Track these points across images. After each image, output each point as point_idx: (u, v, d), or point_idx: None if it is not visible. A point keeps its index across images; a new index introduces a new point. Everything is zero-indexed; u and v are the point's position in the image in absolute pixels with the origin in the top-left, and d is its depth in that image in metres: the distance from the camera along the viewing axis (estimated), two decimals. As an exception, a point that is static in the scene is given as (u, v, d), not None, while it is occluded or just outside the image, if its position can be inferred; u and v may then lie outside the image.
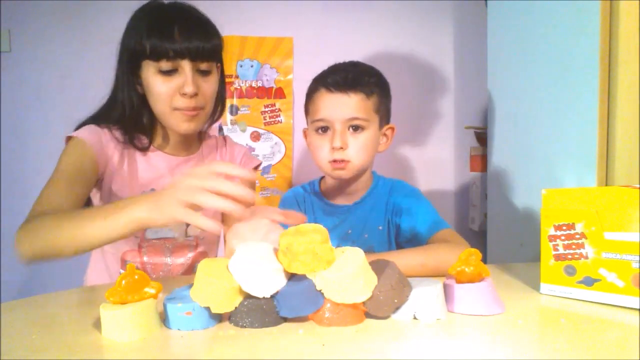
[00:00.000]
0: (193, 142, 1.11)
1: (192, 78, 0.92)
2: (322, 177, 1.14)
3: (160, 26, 0.91)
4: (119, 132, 1.00)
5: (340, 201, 1.09)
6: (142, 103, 0.98)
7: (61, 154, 0.94)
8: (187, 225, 1.04)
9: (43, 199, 0.86)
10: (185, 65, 0.92)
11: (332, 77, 0.99)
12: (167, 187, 0.70)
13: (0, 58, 1.93)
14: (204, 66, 0.95)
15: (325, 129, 0.99)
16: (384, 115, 1.04)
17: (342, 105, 0.97)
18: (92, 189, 0.97)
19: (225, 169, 0.71)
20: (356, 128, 0.98)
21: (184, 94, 0.93)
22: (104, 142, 0.98)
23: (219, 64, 1.03)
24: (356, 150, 0.98)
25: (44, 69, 1.97)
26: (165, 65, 0.91)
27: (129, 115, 0.98)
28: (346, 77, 0.98)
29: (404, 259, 0.81)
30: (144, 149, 1.02)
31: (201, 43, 0.93)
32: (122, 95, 0.98)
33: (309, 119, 1.04)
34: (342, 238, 1.06)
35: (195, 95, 0.94)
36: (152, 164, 1.04)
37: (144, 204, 0.69)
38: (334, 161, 0.99)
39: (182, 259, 1.05)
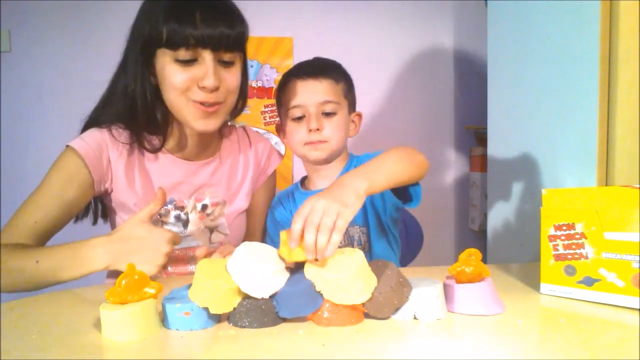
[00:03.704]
0: (212, 141, 1.02)
1: (213, 69, 0.83)
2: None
3: (179, 10, 0.82)
4: (126, 132, 0.92)
5: (319, 186, 1.10)
6: (155, 96, 0.89)
7: (53, 167, 0.89)
8: (211, 232, 1.00)
9: (19, 219, 0.85)
10: (207, 55, 0.83)
11: (302, 69, 1.06)
12: (136, 234, 0.78)
13: (0, 58, 1.93)
14: (227, 57, 0.86)
15: (300, 118, 1.03)
16: (351, 102, 1.09)
17: (315, 90, 1.02)
18: (82, 208, 0.92)
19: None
20: (329, 113, 1.03)
21: (203, 87, 0.84)
22: (106, 152, 0.90)
23: (242, 55, 0.94)
24: (331, 131, 1.02)
25: (44, 69, 1.97)
26: (183, 54, 0.82)
27: (141, 110, 0.89)
28: (315, 66, 1.06)
29: (390, 163, 0.81)
30: (154, 151, 0.94)
31: (226, 30, 0.83)
32: (132, 86, 0.88)
33: (283, 110, 1.07)
34: None
35: (217, 89, 0.85)
36: (166, 170, 0.96)
37: (105, 252, 0.77)
38: (311, 142, 1.02)
39: None
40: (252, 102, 2.11)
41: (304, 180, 1.16)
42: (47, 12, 1.95)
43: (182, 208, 0.97)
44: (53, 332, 0.61)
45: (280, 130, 1.11)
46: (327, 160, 1.06)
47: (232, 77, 0.88)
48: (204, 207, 0.99)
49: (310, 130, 1.01)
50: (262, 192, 1.12)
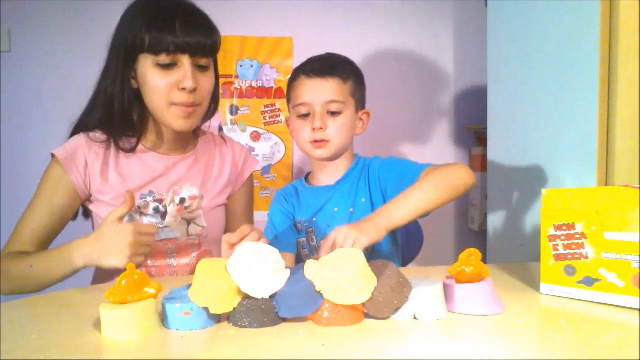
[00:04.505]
0: (188, 140, 1.09)
1: (191, 73, 0.92)
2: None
3: (161, 20, 0.90)
4: (104, 135, 0.99)
5: (325, 182, 1.12)
6: (134, 98, 0.97)
7: (42, 176, 0.98)
8: (189, 224, 1.04)
9: (20, 228, 0.95)
10: (185, 60, 0.92)
11: (310, 66, 1.07)
12: (104, 233, 0.82)
13: (0, 58, 1.93)
14: (203, 62, 0.95)
15: (306, 115, 1.04)
16: (359, 100, 1.10)
17: (321, 89, 1.03)
18: (74, 212, 1.00)
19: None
20: (334, 113, 1.04)
21: (182, 89, 0.92)
22: (83, 155, 0.97)
23: (215, 61, 1.02)
24: (335, 130, 1.03)
25: (44, 69, 1.96)
26: (164, 59, 0.90)
27: (118, 112, 0.96)
28: (324, 64, 1.06)
29: (415, 197, 0.85)
30: (130, 151, 1.00)
31: (202, 38, 0.92)
32: (110, 90, 0.95)
33: (291, 106, 1.10)
34: (330, 217, 1.07)
35: (194, 90, 0.93)
36: (147, 164, 1.02)
37: (82, 253, 0.84)
38: (315, 141, 1.04)
39: (186, 259, 1.04)
40: (252, 102, 2.11)
41: (307, 176, 1.17)
42: (47, 12, 1.95)
43: (160, 201, 1.02)
44: (53, 332, 0.61)
45: (289, 124, 1.13)
46: (331, 158, 1.08)
47: (207, 81, 0.97)
48: (182, 200, 1.04)
49: (314, 129, 1.02)
50: (241, 196, 1.16)
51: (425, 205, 0.85)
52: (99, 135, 0.99)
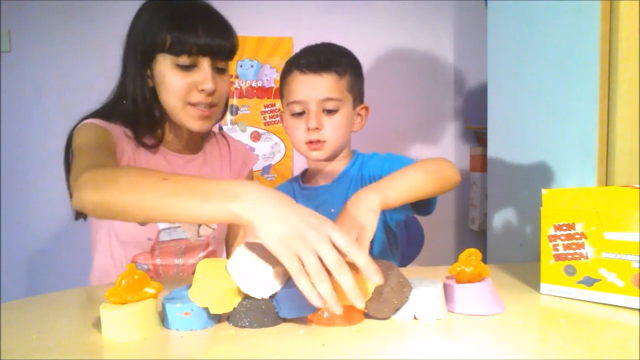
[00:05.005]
0: (197, 140, 1.10)
1: (211, 75, 0.92)
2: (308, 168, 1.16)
3: (183, 21, 0.90)
4: (128, 129, 0.98)
5: (321, 182, 1.09)
6: (152, 97, 0.96)
7: (75, 136, 0.90)
8: (199, 225, 1.03)
9: (87, 162, 0.78)
10: (205, 63, 0.92)
11: (304, 59, 1.01)
12: (287, 205, 0.59)
13: (0, 58, 1.93)
14: (221, 64, 0.95)
15: (300, 114, 1.00)
16: (357, 94, 1.05)
17: (316, 86, 0.98)
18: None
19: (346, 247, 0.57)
20: (330, 111, 0.99)
21: (202, 90, 0.92)
22: (117, 133, 0.95)
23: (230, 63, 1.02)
24: (331, 130, 0.99)
25: (44, 69, 1.97)
26: (184, 60, 0.90)
27: (139, 109, 0.96)
28: (318, 58, 1.00)
29: (405, 179, 0.79)
30: (153, 147, 1.00)
31: (223, 41, 0.93)
32: (131, 88, 0.95)
33: (284, 102, 1.05)
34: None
35: (213, 92, 0.94)
36: (157, 163, 1.02)
37: (251, 205, 0.58)
38: (310, 142, 1.00)
39: (193, 259, 1.04)
40: (252, 102, 2.11)
41: (303, 175, 1.15)
42: (47, 12, 1.95)
43: None
44: (53, 332, 0.61)
45: (283, 120, 1.09)
46: (328, 159, 1.05)
47: (224, 83, 0.98)
48: None
49: (309, 129, 0.98)
50: None
51: (419, 189, 0.80)
52: (128, 131, 0.97)
